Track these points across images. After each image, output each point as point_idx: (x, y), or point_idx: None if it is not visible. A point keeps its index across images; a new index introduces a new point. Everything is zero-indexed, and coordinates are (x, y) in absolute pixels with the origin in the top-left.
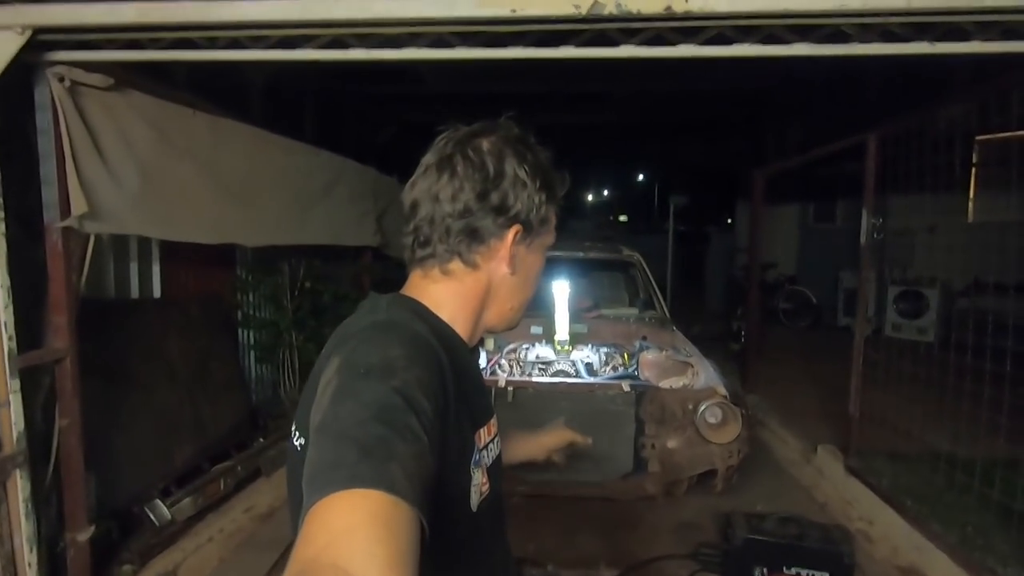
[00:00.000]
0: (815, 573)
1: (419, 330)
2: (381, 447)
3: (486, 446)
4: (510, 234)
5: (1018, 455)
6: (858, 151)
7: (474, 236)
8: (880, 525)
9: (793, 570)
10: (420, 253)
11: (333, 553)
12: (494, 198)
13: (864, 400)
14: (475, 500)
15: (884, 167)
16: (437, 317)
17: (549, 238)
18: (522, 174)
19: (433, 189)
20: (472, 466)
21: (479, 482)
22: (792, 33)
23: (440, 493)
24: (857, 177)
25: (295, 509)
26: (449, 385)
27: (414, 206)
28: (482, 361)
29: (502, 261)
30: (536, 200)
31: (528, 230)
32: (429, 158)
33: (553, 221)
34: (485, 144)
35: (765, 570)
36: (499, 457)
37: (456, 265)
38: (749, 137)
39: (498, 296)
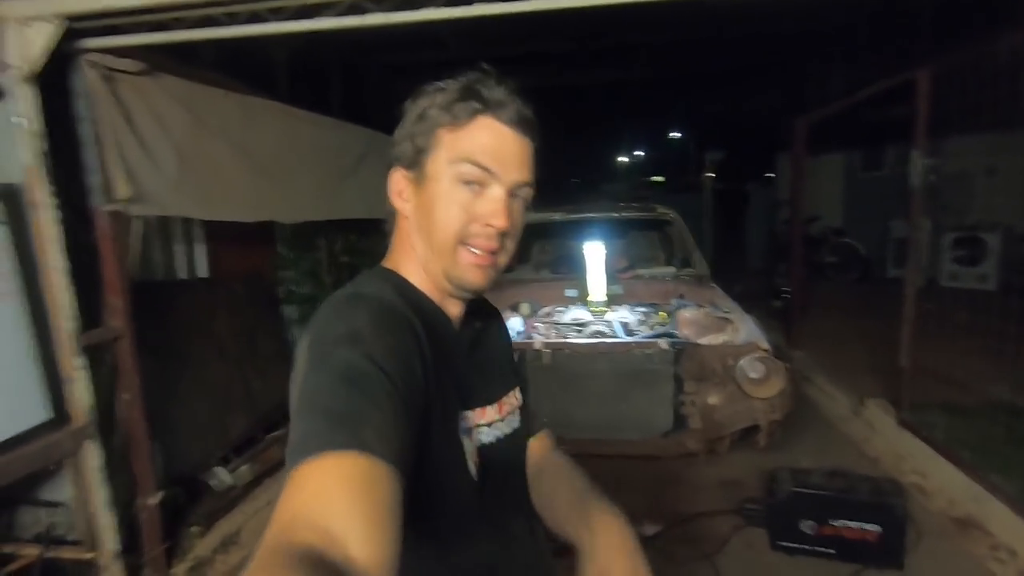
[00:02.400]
0: (865, 526)
1: (389, 298)
2: (353, 412)
3: (479, 427)
4: (395, 174)
5: None
6: (908, 93)
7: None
8: (935, 478)
9: (841, 522)
10: None
11: (312, 514)
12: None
13: (919, 352)
14: (473, 469)
15: (937, 106)
16: (408, 283)
17: (441, 162)
18: (407, 112)
19: None
20: (461, 434)
21: (471, 451)
22: None
23: (435, 457)
24: (907, 121)
25: None
26: (426, 351)
27: None
28: (519, 325)
29: (394, 200)
30: (407, 132)
31: (407, 166)
32: None
33: (443, 142)
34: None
35: (812, 523)
36: (505, 440)
37: (393, 218)
38: (789, 85)
39: (415, 240)
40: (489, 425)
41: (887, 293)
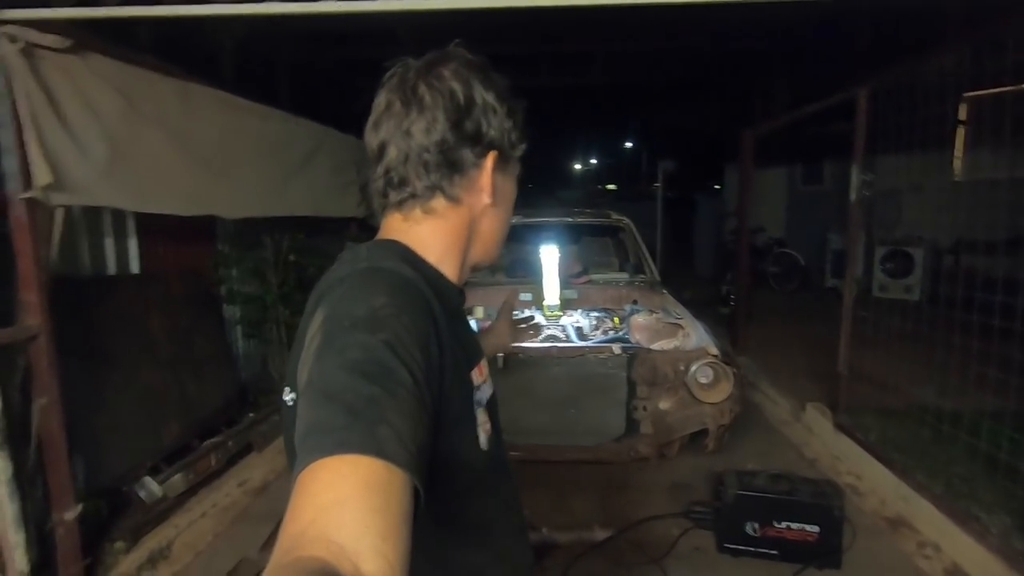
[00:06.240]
0: (806, 527)
1: (406, 274)
2: (370, 408)
3: (480, 386)
4: (488, 162)
5: (1002, 406)
6: (847, 111)
7: (454, 168)
8: (868, 479)
9: (784, 524)
10: (397, 195)
11: (323, 526)
12: (469, 126)
13: (852, 358)
14: (483, 439)
15: (873, 125)
16: (423, 260)
17: (518, 165)
18: (491, 99)
19: (403, 125)
20: (475, 406)
21: (483, 421)
22: None
23: (450, 437)
24: (845, 138)
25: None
26: (443, 330)
27: (382, 147)
28: (472, 327)
29: (482, 191)
30: (507, 125)
31: (504, 156)
32: (389, 95)
33: (522, 146)
34: (447, 72)
35: (756, 525)
36: (494, 395)
37: (439, 202)
38: (737, 99)
39: (480, 229)
40: (484, 383)
41: (825, 301)
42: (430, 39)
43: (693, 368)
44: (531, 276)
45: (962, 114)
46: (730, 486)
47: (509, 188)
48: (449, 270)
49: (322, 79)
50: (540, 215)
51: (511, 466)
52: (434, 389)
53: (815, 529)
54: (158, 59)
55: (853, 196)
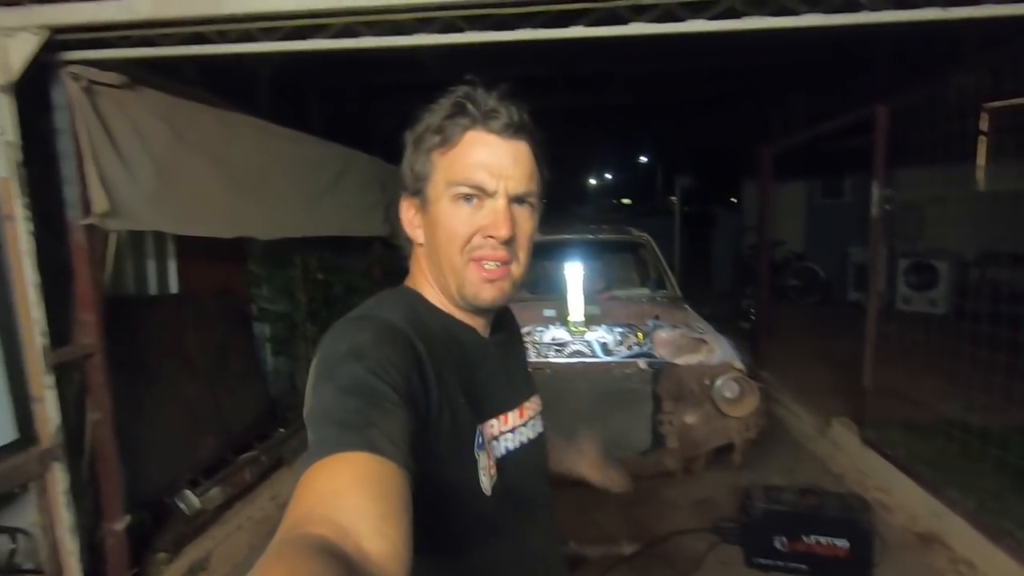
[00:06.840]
0: (834, 541)
1: (390, 319)
2: (359, 417)
3: (503, 434)
4: (404, 203)
5: None
6: (865, 125)
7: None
8: (897, 494)
9: (812, 538)
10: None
11: (324, 510)
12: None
13: (877, 373)
14: (486, 483)
15: (893, 139)
16: (426, 302)
17: (439, 185)
18: (409, 140)
19: None
20: (476, 449)
21: (485, 465)
22: (803, 4)
23: (443, 473)
24: (864, 152)
25: None
26: (428, 370)
27: None
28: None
29: (407, 228)
30: (408, 160)
31: (413, 194)
32: None
33: (438, 165)
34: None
35: (785, 539)
36: (529, 444)
37: (411, 247)
38: (755, 115)
39: (428, 265)
40: (512, 431)
41: (847, 315)
42: (453, 64)
43: (718, 382)
44: (554, 292)
45: (983, 125)
46: (757, 500)
47: (431, 218)
48: (455, 312)
49: (348, 102)
50: (562, 232)
51: (539, 519)
52: (420, 413)
53: (845, 544)
54: (201, 89)
55: (875, 211)
